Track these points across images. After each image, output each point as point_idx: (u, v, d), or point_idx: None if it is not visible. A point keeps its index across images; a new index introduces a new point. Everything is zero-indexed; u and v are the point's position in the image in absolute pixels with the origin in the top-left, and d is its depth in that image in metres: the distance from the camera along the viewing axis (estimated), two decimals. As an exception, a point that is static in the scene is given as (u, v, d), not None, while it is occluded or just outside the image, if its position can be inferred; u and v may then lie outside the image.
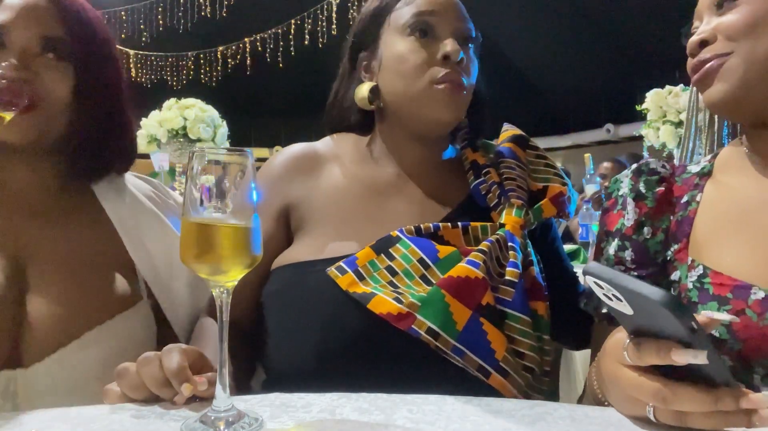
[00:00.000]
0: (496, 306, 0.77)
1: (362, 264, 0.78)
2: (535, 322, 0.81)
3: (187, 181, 0.55)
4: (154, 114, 4.12)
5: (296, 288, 0.80)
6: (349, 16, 8.09)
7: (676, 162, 0.94)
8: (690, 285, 0.73)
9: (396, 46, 0.89)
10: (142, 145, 4.14)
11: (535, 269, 0.85)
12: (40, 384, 0.77)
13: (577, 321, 0.89)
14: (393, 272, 0.78)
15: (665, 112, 3.51)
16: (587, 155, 3.01)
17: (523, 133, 1.01)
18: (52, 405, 0.75)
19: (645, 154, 4.07)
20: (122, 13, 9.53)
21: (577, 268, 1.02)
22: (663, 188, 0.83)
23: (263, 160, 1.04)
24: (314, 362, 0.76)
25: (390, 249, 0.80)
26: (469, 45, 0.91)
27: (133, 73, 10.01)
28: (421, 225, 0.82)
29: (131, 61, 10.08)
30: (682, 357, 0.48)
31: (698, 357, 0.48)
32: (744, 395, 0.49)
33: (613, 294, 0.51)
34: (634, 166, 0.87)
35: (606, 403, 0.62)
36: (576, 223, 2.99)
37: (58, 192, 0.90)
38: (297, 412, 0.58)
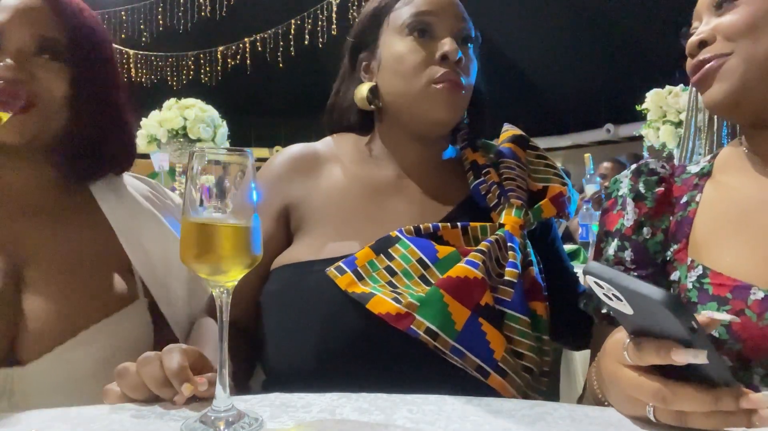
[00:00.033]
0: (495, 306, 0.77)
1: (361, 264, 0.78)
2: (534, 322, 0.81)
3: (187, 181, 0.55)
4: (154, 114, 4.12)
5: (295, 288, 0.80)
6: (349, 16, 8.10)
7: (676, 162, 0.94)
8: (689, 286, 0.73)
9: (395, 46, 0.89)
10: (142, 145, 4.14)
11: (535, 269, 0.85)
12: (37, 381, 0.77)
13: (577, 322, 0.90)
14: (392, 272, 0.78)
15: (665, 112, 3.51)
16: (587, 155, 3.01)
17: (524, 133, 1.01)
18: (49, 403, 0.75)
19: (645, 154, 4.07)
20: (122, 13, 9.53)
21: (577, 268, 1.02)
22: (662, 188, 0.83)
23: (263, 160, 1.04)
24: (313, 362, 0.76)
25: (389, 250, 0.80)
26: (468, 45, 0.91)
27: (133, 73, 10.01)
28: (421, 226, 0.82)
29: (131, 61, 10.08)
30: (682, 357, 0.48)
31: (698, 357, 0.48)
32: (744, 395, 0.49)
33: (613, 294, 0.51)
34: (634, 166, 0.87)
35: (606, 403, 0.62)
36: (576, 223, 2.99)
37: (56, 192, 0.90)
38: (297, 412, 0.58)
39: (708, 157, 0.87)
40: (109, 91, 0.92)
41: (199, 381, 0.60)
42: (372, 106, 0.93)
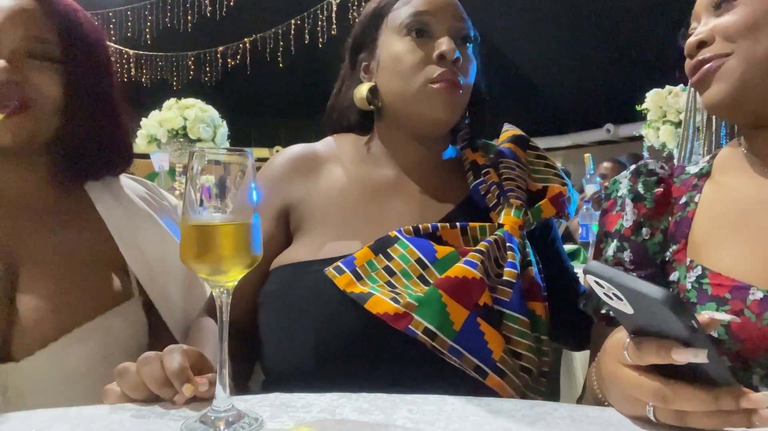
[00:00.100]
0: (493, 306, 0.77)
1: (360, 264, 0.78)
2: (533, 323, 0.81)
3: (187, 181, 0.55)
4: (154, 114, 4.12)
5: (294, 288, 0.80)
6: (349, 16, 8.10)
7: (675, 163, 0.94)
8: (688, 286, 0.73)
9: (393, 46, 0.89)
10: (142, 145, 4.14)
11: (534, 269, 0.85)
12: (31, 378, 0.77)
13: (577, 322, 0.90)
14: (391, 272, 0.78)
15: (665, 112, 3.51)
16: (587, 155, 3.01)
17: (524, 133, 1.01)
18: (43, 400, 0.76)
19: (645, 154, 4.07)
20: (122, 13, 9.53)
21: (577, 268, 1.02)
22: (661, 189, 0.83)
23: (263, 160, 1.04)
24: (312, 361, 0.76)
25: (388, 250, 0.80)
26: (467, 45, 0.91)
27: (133, 73, 10.01)
28: (420, 226, 0.82)
29: (131, 61, 10.08)
30: (682, 356, 0.48)
31: (698, 356, 0.48)
32: (744, 394, 0.49)
33: (613, 293, 0.51)
34: (633, 167, 0.87)
35: (606, 403, 0.62)
36: (576, 223, 2.99)
37: (51, 193, 0.90)
38: (297, 412, 0.58)
39: (707, 158, 0.87)
40: (103, 91, 0.92)
41: (200, 382, 0.60)
42: (372, 106, 0.93)
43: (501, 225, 0.85)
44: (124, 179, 1.00)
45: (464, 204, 0.91)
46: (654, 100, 3.55)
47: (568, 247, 2.34)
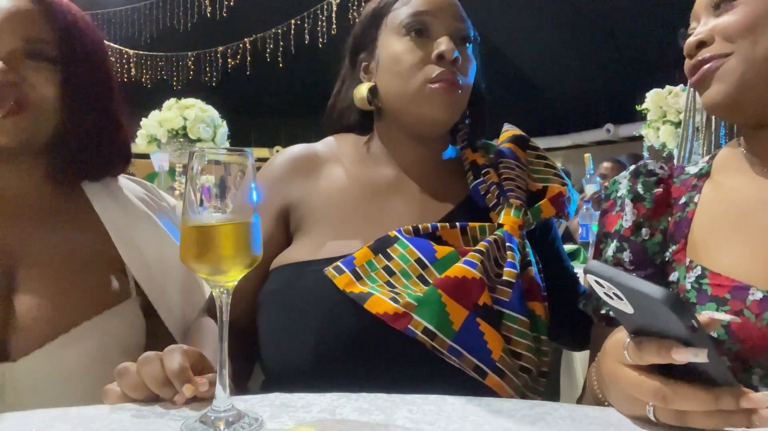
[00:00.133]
0: (493, 306, 0.77)
1: (360, 264, 0.78)
2: (533, 323, 0.81)
3: (187, 181, 0.55)
4: (154, 114, 4.12)
5: (294, 288, 0.80)
6: (349, 16, 8.10)
7: (675, 163, 0.94)
8: (688, 286, 0.73)
9: (392, 46, 0.89)
10: (142, 145, 4.15)
11: (533, 269, 0.85)
12: (28, 377, 0.78)
13: (577, 322, 0.89)
14: (390, 272, 0.78)
15: (665, 112, 3.51)
16: (587, 155, 3.01)
17: (524, 134, 1.01)
18: (40, 399, 0.76)
19: (645, 154, 4.07)
20: (122, 13, 9.53)
21: (577, 268, 1.02)
22: (661, 189, 0.83)
23: (263, 160, 1.04)
24: (311, 361, 0.76)
25: (388, 249, 0.80)
26: (467, 45, 0.91)
27: (133, 73, 10.02)
28: (419, 226, 0.83)
29: (131, 61, 10.09)
30: (682, 356, 0.48)
31: (699, 356, 0.48)
32: (744, 394, 0.49)
33: (614, 293, 0.51)
34: (632, 167, 0.87)
35: (606, 403, 0.62)
36: (576, 223, 2.99)
37: (49, 193, 0.91)
38: (297, 412, 0.58)
39: (706, 158, 0.87)
40: (101, 92, 0.92)
41: (200, 382, 0.60)
42: (371, 106, 0.93)
43: (501, 225, 0.85)
44: (123, 180, 1.00)
45: (464, 204, 0.91)
46: (654, 100, 3.55)
47: (568, 247, 2.34)
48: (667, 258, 0.80)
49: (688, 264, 0.75)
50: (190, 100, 4.14)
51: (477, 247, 0.80)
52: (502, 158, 0.95)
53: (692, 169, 0.85)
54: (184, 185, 0.57)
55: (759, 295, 0.67)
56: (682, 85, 3.43)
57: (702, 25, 0.78)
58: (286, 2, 9.12)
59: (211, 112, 4.14)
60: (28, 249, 0.85)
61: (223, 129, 4.20)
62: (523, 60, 11.43)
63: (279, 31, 9.67)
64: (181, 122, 4.00)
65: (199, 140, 4.02)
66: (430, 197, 0.91)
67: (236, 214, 0.55)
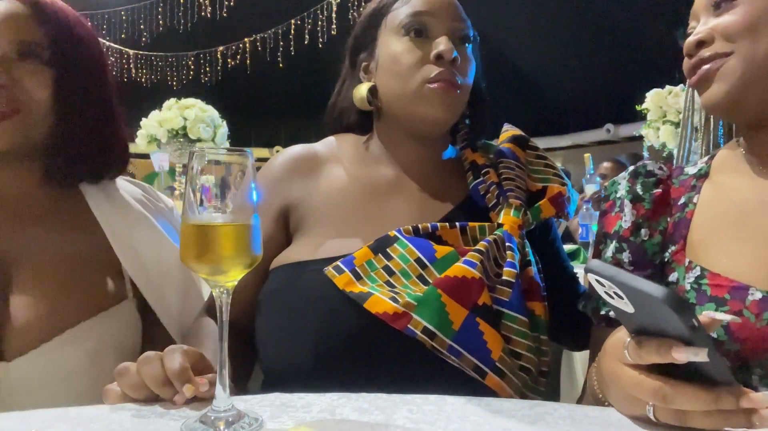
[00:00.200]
0: (492, 306, 0.77)
1: (359, 263, 0.78)
2: (533, 322, 0.81)
3: (187, 181, 0.55)
4: (154, 114, 4.12)
5: (294, 288, 0.80)
6: (349, 16, 8.10)
7: (674, 163, 0.94)
8: (687, 287, 0.73)
9: (391, 46, 0.89)
10: (142, 145, 4.15)
11: (533, 269, 0.85)
12: (23, 377, 0.78)
13: (577, 322, 0.89)
14: (390, 272, 0.78)
15: (665, 112, 3.51)
16: (587, 155, 3.01)
17: (523, 134, 1.01)
18: (35, 399, 0.76)
19: (645, 154, 4.07)
20: (122, 13, 9.53)
21: (577, 268, 1.02)
22: (660, 190, 0.83)
23: (263, 160, 1.04)
24: (311, 361, 0.76)
25: (387, 249, 0.80)
26: (466, 45, 0.91)
27: (133, 73, 10.02)
28: (419, 225, 0.83)
29: (131, 61, 10.09)
30: (682, 355, 0.48)
31: (699, 355, 0.48)
32: (744, 394, 0.49)
33: (614, 292, 0.51)
34: (631, 168, 0.87)
35: (606, 403, 0.62)
36: (576, 223, 2.99)
37: (45, 195, 0.91)
38: (297, 412, 0.58)
39: (705, 159, 0.87)
40: (97, 93, 0.92)
41: (200, 382, 0.60)
42: (371, 106, 0.93)
43: (500, 225, 0.86)
44: (120, 182, 1.01)
45: (464, 204, 0.91)
46: (654, 100, 3.55)
47: (568, 247, 2.34)
48: (666, 259, 0.80)
49: (687, 264, 0.75)
50: (190, 100, 4.14)
51: (477, 247, 0.80)
52: (501, 158, 0.95)
53: (691, 170, 0.85)
54: (184, 185, 0.57)
55: (758, 295, 0.67)
56: (682, 85, 3.43)
57: (702, 24, 0.78)
58: (286, 2, 9.12)
59: (211, 112, 4.15)
60: (24, 251, 0.85)
61: (223, 129, 4.20)
62: (523, 60, 11.43)
63: (279, 31, 9.67)
64: (181, 122, 4.00)
65: (199, 140, 4.03)
66: (429, 197, 0.91)
67: (236, 214, 0.55)
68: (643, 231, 0.81)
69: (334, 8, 8.71)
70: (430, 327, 0.73)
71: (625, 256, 0.81)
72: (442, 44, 0.86)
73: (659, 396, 0.51)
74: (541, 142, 1.03)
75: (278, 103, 12.74)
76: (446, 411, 0.58)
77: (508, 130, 1.02)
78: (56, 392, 0.79)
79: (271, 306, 0.83)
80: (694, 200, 0.80)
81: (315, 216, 0.88)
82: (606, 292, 0.52)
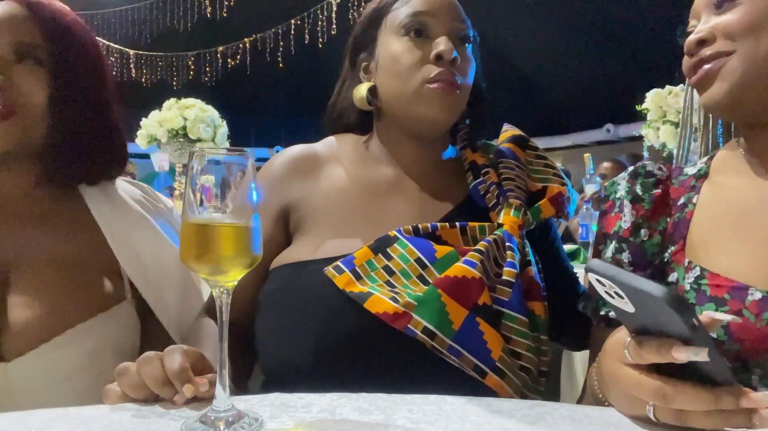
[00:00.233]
0: (492, 306, 0.77)
1: (359, 263, 0.78)
2: (533, 322, 0.81)
3: (187, 182, 0.55)
4: (154, 114, 4.13)
5: (293, 288, 0.80)
6: (349, 16, 8.10)
7: (674, 163, 0.94)
8: (687, 287, 0.73)
9: (391, 46, 0.89)
10: (142, 145, 4.15)
11: (533, 269, 0.85)
12: (22, 378, 0.78)
13: (577, 322, 0.89)
14: (390, 272, 0.78)
15: (665, 112, 3.51)
16: (587, 155, 3.01)
17: (523, 134, 1.01)
18: (34, 399, 0.76)
19: (645, 154, 4.07)
20: (123, 13, 9.54)
21: (577, 268, 1.02)
22: (659, 190, 0.83)
23: (263, 160, 1.04)
24: (311, 361, 0.76)
25: (387, 249, 0.80)
26: (466, 45, 0.91)
27: (133, 73, 10.02)
28: (419, 225, 0.83)
29: (131, 61, 10.09)
30: (683, 354, 0.48)
31: (699, 355, 0.48)
32: (744, 394, 0.49)
33: (615, 292, 0.51)
34: (631, 168, 0.87)
35: (606, 403, 0.62)
36: (576, 223, 2.99)
37: (44, 196, 0.91)
38: (297, 412, 0.58)
39: (705, 159, 0.87)
40: (95, 94, 0.92)
41: (200, 382, 0.60)
42: (371, 106, 0.93)
43: (500, 225, 0.86)
44: (120, 182, 1.01)
45: (464, 204, 0.91)
46: (654, 100, 3.56)
47: (568, 247, 2.34)
48: (666, 259, 0.80)
49: (687, 264, 0.75)
50: (190, 100, 4.14)
51: (477, 247, 0.80)
52: (501, 158, 0.95)
53: (691, 170, 0.85)
54: (184, 185, 0.57)
55: (758, 295, 0.67)
56: (681, 85, 3.43)
57: (703, 23, 0.78)
58: (286, 2, 9.12)
59: (211, 112, 4.15)
60: (23, 252, 0.85)
61: (223, 129, 4.20)
62: (523, 60, 11.43)
63: (279, 31, 9.67)
64: (181, 122, 4.00)
65: (199, 140, 4.03)
66: (429, 197, 0.91)
67: (236, 214, 0.55)
68: (642, 231, 0.81)
69: (334, 8, 8.71)
70: (430, 327, 0.73)
71: (625, 257, 0.81)
72: (441, 44, 0.86)
73: (659, 396, 0.51)
74: (541, 142, 1.03)
75: (278, 103, 12.75)
76: (446, 411, 0.58)
77: (508, 130, 1.02)
78: (56, 392, 0.79)
79: (271, 307, 0.83)
80: (694, 200, 0.80)
81: (315, 216, 0.88)
82: (606, 292, 0.52)
